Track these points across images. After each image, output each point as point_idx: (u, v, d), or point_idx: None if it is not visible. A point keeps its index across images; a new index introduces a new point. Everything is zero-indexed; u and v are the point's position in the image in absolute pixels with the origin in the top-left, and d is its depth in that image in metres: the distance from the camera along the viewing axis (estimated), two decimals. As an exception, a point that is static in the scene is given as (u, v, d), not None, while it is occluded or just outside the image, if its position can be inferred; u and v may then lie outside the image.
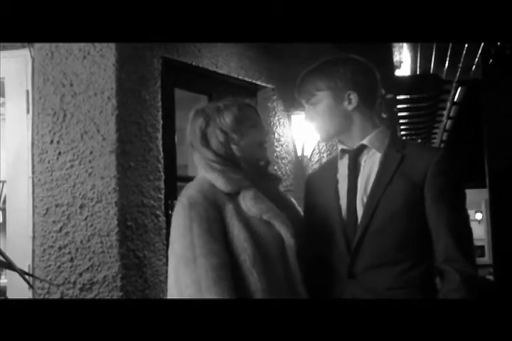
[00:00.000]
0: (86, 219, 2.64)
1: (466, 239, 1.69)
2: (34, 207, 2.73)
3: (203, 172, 1.79)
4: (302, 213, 1.90)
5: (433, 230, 1.69)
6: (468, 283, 1.62)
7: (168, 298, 1.74)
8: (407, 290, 1.66)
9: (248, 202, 1.73)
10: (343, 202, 1.76)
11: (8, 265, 2.10)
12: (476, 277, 1.67)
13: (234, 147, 1.79)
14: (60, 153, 2.70)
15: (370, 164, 1.76)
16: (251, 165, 1.81)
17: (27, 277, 2.33)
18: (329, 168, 1.88)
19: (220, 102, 1.84)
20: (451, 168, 1.71)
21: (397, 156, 1.73)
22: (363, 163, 1.78)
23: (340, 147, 1.84)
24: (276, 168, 3.75)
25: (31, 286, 2.58)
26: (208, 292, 1.61)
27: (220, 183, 1.74)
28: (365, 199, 1.72)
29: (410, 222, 1.69)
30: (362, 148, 1.78)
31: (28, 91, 2.79)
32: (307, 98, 1.81)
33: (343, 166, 1.81)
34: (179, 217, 1.72)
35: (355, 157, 1.78)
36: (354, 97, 1.76)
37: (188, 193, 1.75)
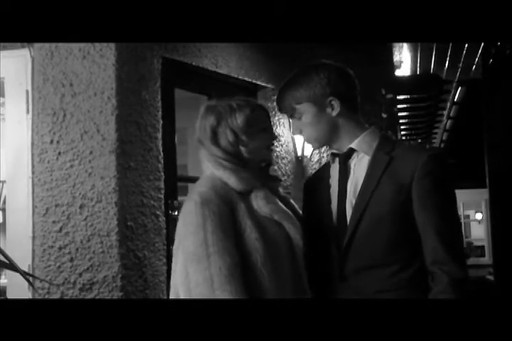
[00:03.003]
0: (86, 219, 2.64)
1: (454, 241, 1.66)
2: (34, 207, 2.72)
3: (212, 170, 1.77)
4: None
5: (421, 232, 1.66)
6: (455, 285, 1.60)
7: (172, 296, 1.74)
8: (396, 293, 1.65)
9: (260, 201, 1.73)
10: (334, 206, 1.75)
11: (11, 266, 2.10)
12: (465, 278, 1.64)
13: (242, 148, 1.79)
14: (59, 153, 2.70)
15: (359, 167, 1.75)
16: (255, 166, 1.82)
17: (29, 278, 2.33)
18: (323, 172, 1.88)
19: (233, 101, 1.82)
20: (439, 169, 1.68)
21: (385, 159, 1.71)
22: (352, 166, 1.77)
23: (330, 151, 1.84)
24: (276, 168, 3.75)
25: (33, 287, 2.58)
26: (220, 290, 1.59)
27: (233, 181, 1.73)
28: (353, 203, 1.71)
29: (398, 224, 1.67)
30: (351, 151, 1.77)
31: (27, 91, 2.79)
32: (290, 112, 1.79)
33: (335, 170, 1.81)
34: (191, 213, 1.69)
35: (344, 161, 1.78)
36: (336, 103, 1.74)
37: (199, 190, 1.72)
